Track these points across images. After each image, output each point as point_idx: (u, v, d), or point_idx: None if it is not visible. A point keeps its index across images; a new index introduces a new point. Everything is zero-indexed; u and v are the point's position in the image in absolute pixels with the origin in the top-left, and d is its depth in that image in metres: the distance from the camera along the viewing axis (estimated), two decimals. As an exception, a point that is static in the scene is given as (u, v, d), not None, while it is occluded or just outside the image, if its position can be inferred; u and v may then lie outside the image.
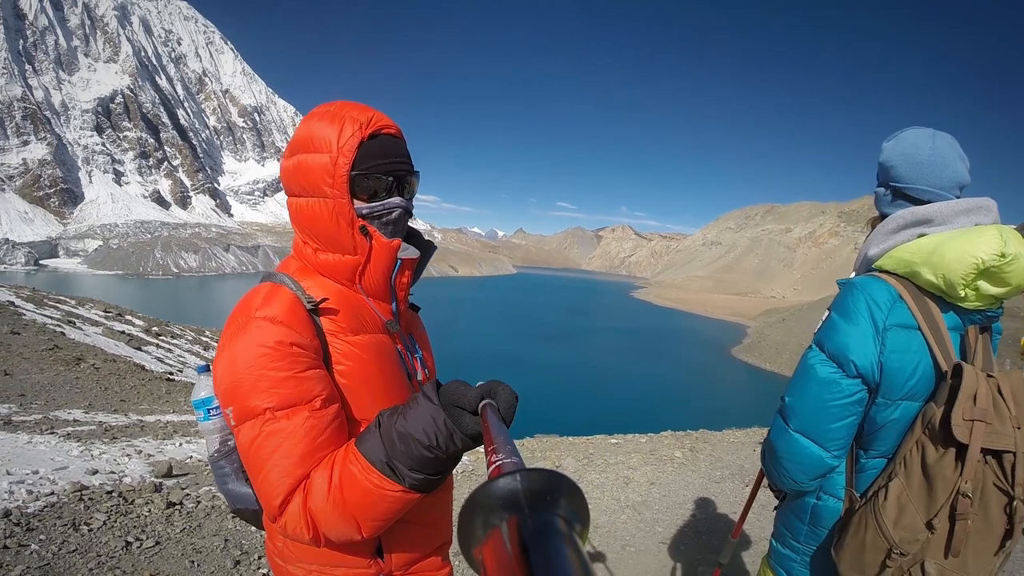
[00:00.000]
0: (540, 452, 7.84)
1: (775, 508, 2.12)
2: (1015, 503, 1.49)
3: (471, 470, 6.61)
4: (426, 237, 1.57)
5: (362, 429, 1.26)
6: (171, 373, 14.50)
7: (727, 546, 2.79)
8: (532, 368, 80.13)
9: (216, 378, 1.27)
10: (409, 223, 1.50)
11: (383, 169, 1.36)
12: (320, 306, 1.33)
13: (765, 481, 2.31)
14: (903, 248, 1.67)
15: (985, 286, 1.52)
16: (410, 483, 1.15)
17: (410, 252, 1.47)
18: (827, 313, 1.78)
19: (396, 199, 1.40)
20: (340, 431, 1.27)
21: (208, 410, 1.52)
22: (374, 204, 1.37)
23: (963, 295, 1.54)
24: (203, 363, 1.61)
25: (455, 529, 0.53)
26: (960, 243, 1.52)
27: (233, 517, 4.59)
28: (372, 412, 1.29)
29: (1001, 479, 1.49)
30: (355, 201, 1.35)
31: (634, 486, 6.25)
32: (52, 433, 6.69)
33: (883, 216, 1.82)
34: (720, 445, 7.94)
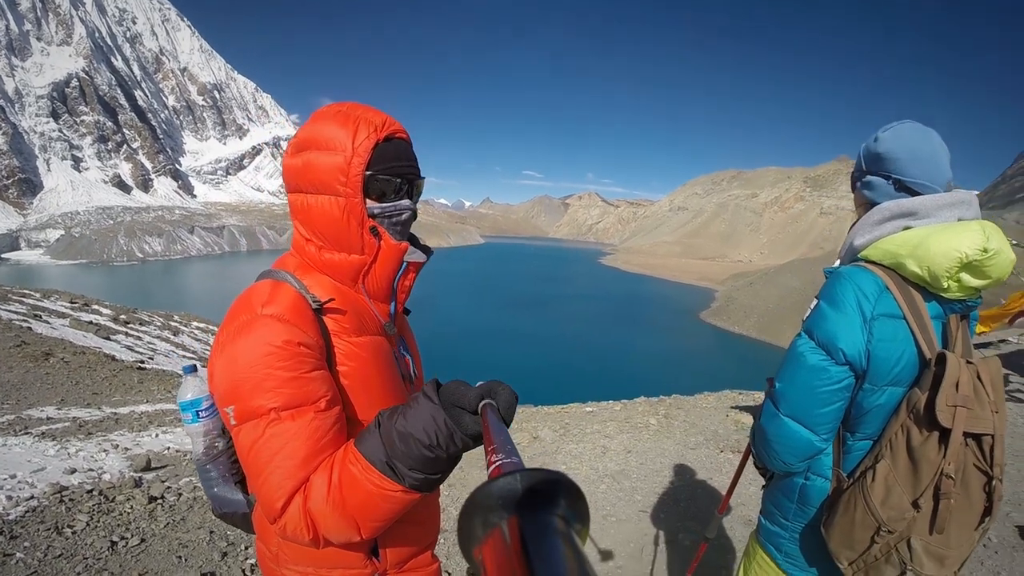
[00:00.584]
0: (516, 423, 7.90)
1: (763, 487, 2.19)
2: (993, 482, 1.59)
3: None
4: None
5: (361, 430, 1.26)
6: (142, 361, 14.33)
7: (713, 520, 2.87)
8: (503, 338, 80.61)
9: (215, 377, 1.25)
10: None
11: (395, 172, 1.38)
12: (324, 306, 1.33)
13: (750, 459, 2.40)
14: (889, 240, 1.73)
15: (967, 278, 1.60)
16: (410, 483, 1.15)
17: (417, 256, 1.50)
18: (815, 302, 1.83)
19: (406, 201, 1.43)
20: (341, 433, 1.28)
21: (197, 412, 1.49)
22: (385, 205, 1.39)
23: (946, 287, 1.61)
24: (189, 364, 1.60)
25: (456, 529, 0.53)
26: (945, 237, 1.59)
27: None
28: (371, 414, 1.29)
29: (981, 460, 1.58)
30: (367, 201, 1.37)
31: (611, 455, 6.36)
32: (27, 433, 6.61)
33: (872, 205, 1.85)
34: (694, 411, 8.07)
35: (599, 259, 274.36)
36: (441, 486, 1.57)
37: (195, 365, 1.56)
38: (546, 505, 0.51)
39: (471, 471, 5.88)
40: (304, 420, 1.20)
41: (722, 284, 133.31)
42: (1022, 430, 6.19)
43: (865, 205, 1.90)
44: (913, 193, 1.77)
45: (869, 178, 1.86)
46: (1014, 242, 6.41)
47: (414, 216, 1.47)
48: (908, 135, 1.78)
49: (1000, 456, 1.59)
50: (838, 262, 1.97)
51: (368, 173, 1.33)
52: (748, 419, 7.44)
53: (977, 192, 1.71)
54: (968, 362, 1.60)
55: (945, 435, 1.56)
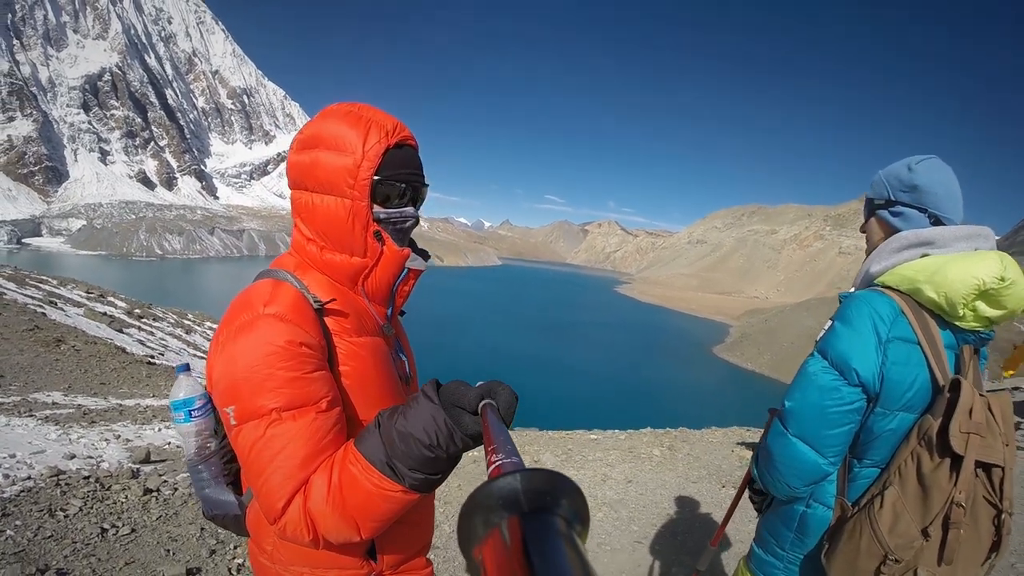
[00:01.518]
0: (519, 446, 7.68)
1: (759, 514, 2.15)
2: (1003, 516, 1.56)
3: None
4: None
5: (361, 430, 1.25)
6: (152, 356, 14.42)
7: (706, 553, 2.82)
8: (514, 360, 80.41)
9: (215, 376, 1.24)
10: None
11: (402, 178, 1.37)
12: (325, 306, 1.33)
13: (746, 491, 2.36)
14: (907, 266, 1.72)
15: (983, 307, 1.59)
16: (410, 483, 1.14)
17: (418, 264, 1.49)
18: (830, 323, 1.81)
19: (411, 208, 1.42)
20: (341, 433, 1.27)
21: (189, 411, 1.47)
22: (391, 210, 1.39)
23: (962, 314, 1.60)
24: (182, 363, 1.57)
25: (456, 529, 0.53)
26: (963, 264, 1.58)
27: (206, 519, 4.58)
28: (371, 414, 1.28)
29: (990, 492, 1.56)
30: (373, 205, 1.37)
31: (611, 483, 6.29)
32: (30, 416, 6.64)
33: (893, 232, 1.84)
34: (699, 444, 7.99)
35: (615, 288, 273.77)
36: (437, 506, 1.66)
37: (188, 364, 1.54)
38: (547, 505, 0.51)
39: (468, 484, 5.82)
40: (305, 421, 1.19)
41: (737, 319, 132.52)
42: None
43: (887, 234, 1.87)
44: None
45: (902, 208, 1.83)
46: None
47: (416, 224, 1.48)
48: (942, 170, 1.78)
49: (1010, 490, 1.57)
50: (853, 289, 1.94)
51: (376, 178, 1.33)
52: (751, 464, 7.35)
53: (999, 237, 1.77)
54: (980, 394, 1.58)
55: (957, 462, 1.53)
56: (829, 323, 1.82)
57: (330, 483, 1.16)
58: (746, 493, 2.37)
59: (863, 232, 2.00)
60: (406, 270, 1.47)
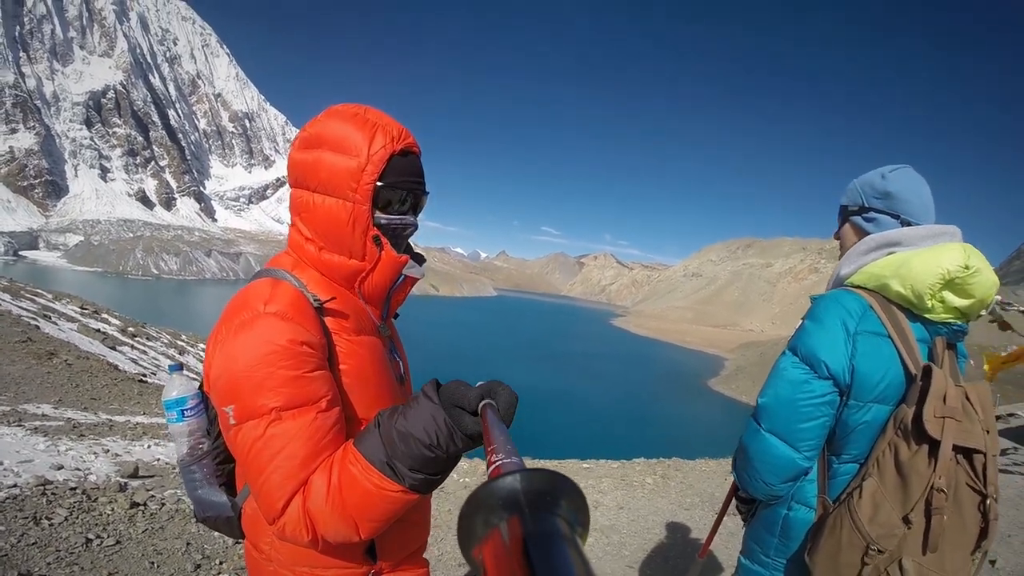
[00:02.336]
0: None
1: (743, 527, 2.13)
2: (988, 502, 1.55)
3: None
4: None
5: (360, 430, 1.25)
6: (144, 375, 14.34)
7: (694, 566, 2.80)
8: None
9: (213, 375, 1.22)
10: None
11: (405, 185, 1.37)
12: (324, 304, 1.32)
13: (733, 505, 2.34)
14: (874, 264, 1.76)
15: (950, 297, 1.62)
16: (410, 483, 1.14)
17: (416, 271, 1.50)
18: (801, 322, 1.84)
19: (411, 216, 1.43)
20: (341, 433, 1.26)
21: (182, 411, 1.46)
22: (392, 216, 1.38)
23: (930, 306, 1.62)
24: (175, 363, 1.57)
25: (455, 529, 0.53)
26: (927, 256, 1.63)
27: (198, 522, 4.54)
28: (370, 413, 1.29)
29: (973, 479, 1.55)
30: (374, 210, 1.36)
31: (603, 510, 6.24)
32: (19, 426, 6.59)
33: (866, 236, 1.87)
34: (692, 473, 7.94)
35: (610, 320, 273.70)
36: (439, 514, 1.65)
37: (181, 364, 1.53)
38: (547, 506, 0.51)
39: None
40: (305, 420, 1.18)
41: (732, 352, 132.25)
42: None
43: (860, 238, 1.91)
44: None
45: (875, 215, 1.87)
46: (1021, 309, 6.27)
47: (415, 230, 1.48)
48: (914, 179, 1.84)
49: (993, 476, 1.56)
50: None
51: (379, 183, 1.32)
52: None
53: (996, 267, 1.72)
54: (956, 384, 1.59)
55: (934, 447, 1.53)
56: (800, 322, 1.84)
57: (330, 483, 1.16)
58: (733, 504, 2.34)
59: (837, 238, 2.06)
60: (403, 276, 1.47)
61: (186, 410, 1.47)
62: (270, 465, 1.16)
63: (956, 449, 1.53)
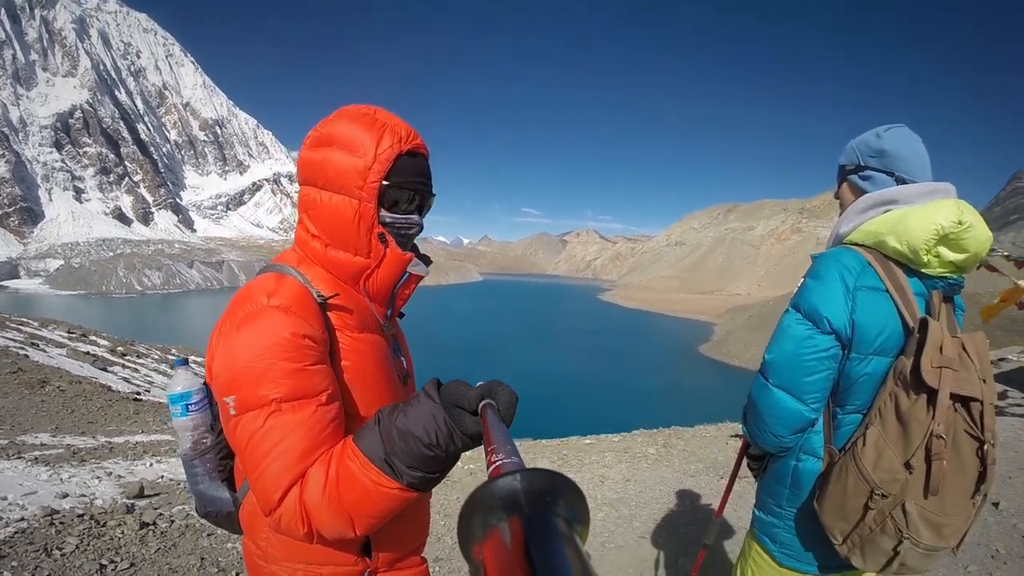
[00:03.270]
0: None
1: (756, 480, 2.20)
2: (986, 447, 1.60)
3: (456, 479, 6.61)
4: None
5: (360, 426, 1.26)
6: (138, 393, 14.25)
7: (711, 526, 2.84)
8: (503, 373, 79.86)
9: (216, 366, 1.24)
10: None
11: (411, 186, 1.39)
12: (328, 301, 1.34)
13: (744, 467, 2.43)
14: (871, 222, 1.82)
15: (945, 252, 1.67)
16: (408, 481, 1.14)
17: (420, 269, 1.50)
18: (802, 280, 1.90)
19: (416, 216, 1.44)
20: (340, 428, 1.26)
21: (186, 405, 1.47)
22: (397, 216, 1.40)
23: (926, 260, 1.68)
24: (180, 357, 1.57)
25: (455, 528, 0.53)
26: (922, 213, 1.68)
27: (209, 535, 4.55)
28: (370, 410, 1.30)
29: (971, 426, 1.61)
30: (380, 209, 1.38)
31: (610, 483, 6.30)
32: (19, 458, 6.55)
33: (863, 194, 1.93)
34: (693, 440, 8.02)
35: (598, 295, 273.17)
36: (437, 519, 1.65)
37: (186, 358, 1.54)
38: (546, 505, 0.51)
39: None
40: (305, 413, 1.19)
41: (721, 318, 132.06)
42: (1024, 450, 6.13)
43: (857, 196, 1.96)
44: None
45: (871, 172, 1.94)
46: (1006, 254, 6.42)
47: (420, 230, 1.49)
48: (909, 137, 1.90)
49: (991, 423, 1.61)
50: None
51: (386, 183, 1.34)
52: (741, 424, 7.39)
53: (981, 210, 1.81)
54: (953, 336, 1.64)
55: (933, 396, 1.58)
56: (802, 280, 1.90)
57: (327, 477, 1.16)
58: (745, 461, 2.43)
59: (837, 198, 2.11)
60: (407, 274, 1.48)
61: (190, 405, 1.47)
62: (268, 456, 1.17)
63: (954, 397, 1.59)
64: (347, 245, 1.39)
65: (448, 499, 5.86)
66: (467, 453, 7.38)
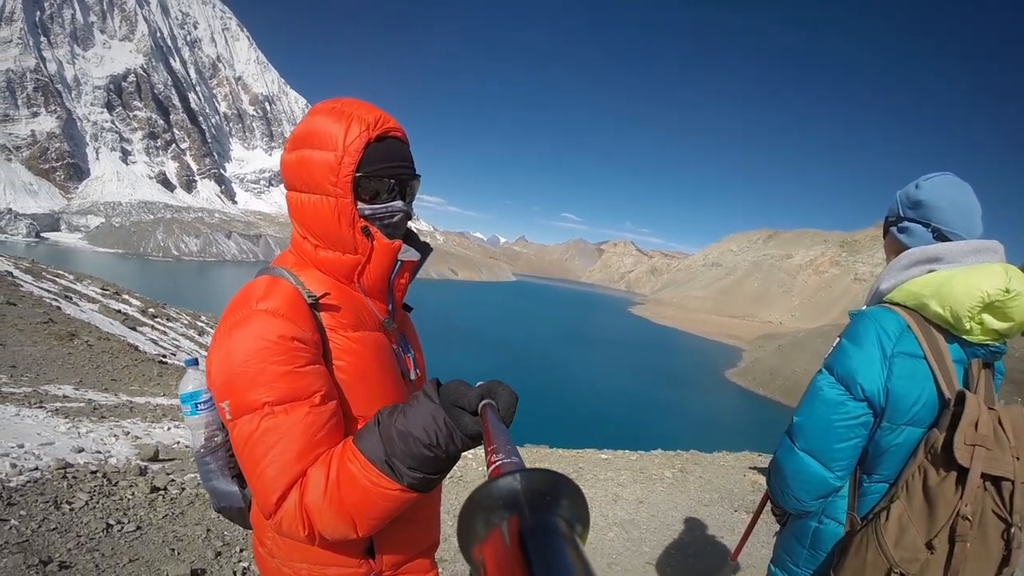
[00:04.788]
0: (528, 463, 7.63)
1: (775, 534, 2.13)
2: (1012, 530, 1.54)
3: (459, 476, 6.55)
4: (427, 239, 1.58)
5: (359, 426, 1.25)
6: (164, 356, 14.44)
7: (726, 568, 2.76)
8: (525, 377, 79.91)
9: (212, 371, 1.25)
10: (411, 224, 1.52)
11: (387, 172, 1.35)
12: (320, 301, 1.32)
13: (767, 508, 2.33)
14: (913, 282, 1.74)
15: (989, 320, 1.59)
16: (408, 482, 1.14)
17: (411, 254, 1.48)
18: (838, 340, 1.83)
19: (398, 203, 1.41)
20: (337, 428, 1.26)
21: (196, 404, 1.48)
22: (376, 206, 1.37)
23: (968, 328, 1.60)
24: (191, 356, 1.59)
25: (455, 528, 0.53)
26: (967, 278, 1.59)
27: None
28: (369, 409, 1.29)
29: (999, 506, 1.55)
30: (358, 202, 1.35)
31: (623, 504, 6.20)
32: (40, 407, 6.63)
33: (904, 249, 1.85)
34: (710, 468, 7.88)
35: (629, 308, 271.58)
36: (445, 519, 1.64)
37: (196, 358, 1.56)
38: (547, 505, 0.51)
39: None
40: (299, 415, 1.19)
41: (750, 344, 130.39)
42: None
43: (897, 251, 1.90)
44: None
45: (907, 224, 1.87)
46: None
47: (408, 217, 1.46)
48: (949, 185, 1.82)
49: (1021, 503, 1.55)
50: (864, 307, 1.95)
51: (359, 175, 1.31)
52: (765, 480, 7.25)
53: (1021, 265, 1.71)
54: (990, 408, 1.57)
55: (963, 475, 1.52)
56: (837, 340, 1.83)
57: (328, 479, 1.17)
58: (768, 506, 2.33)
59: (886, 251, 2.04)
60: (399, 262, 1.45)
61: (200, 404, 1.49)
62: (264, 460, 1.18)
63: (985, 477, 1.53)
64: (335, 244, 1.38)
65: (459, 499, 5.80)
66: (482, 456, 7.32)
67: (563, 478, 0.53)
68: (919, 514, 1.60)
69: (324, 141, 1.31)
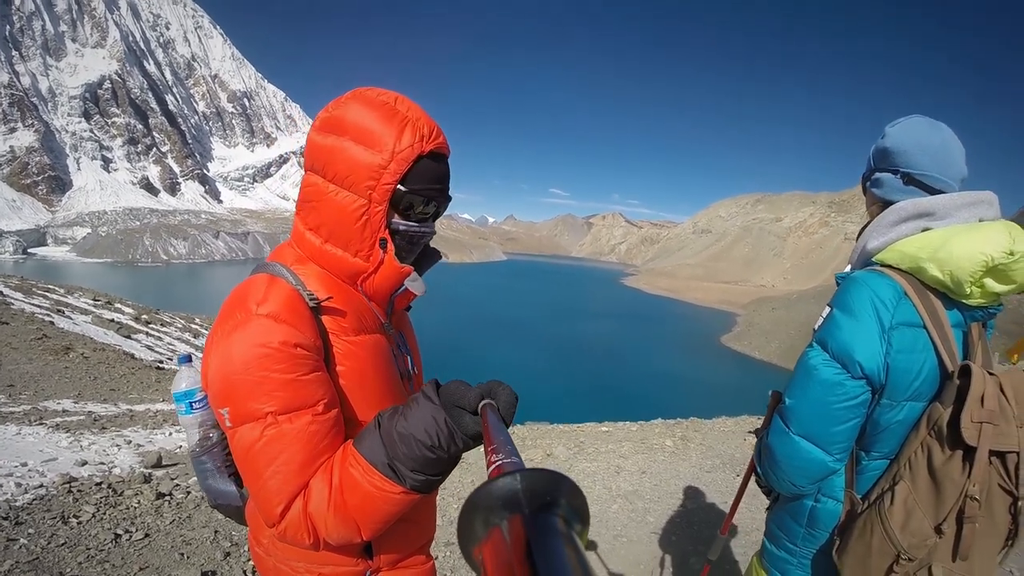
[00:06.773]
0: (531, 440, 7.82)
1: (767, 509, 2.08)
2: (1019, 503, 1.47)
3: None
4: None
5: (359, 430, 1.23)
6: (160, 361, 14.45)
7: (716, 542, 2.76)
8: (521, 354, 79.91)
9: (209, 376, 1.20)
10: None
11: (429, 193, 1.31)
12: (322, 304, 1.27)
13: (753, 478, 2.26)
14: (907, 242, 1.61)
15: (991, 283, 1.50)
16: (411, 484, 1.13)
17: (416, 287, 1.45)
18: (828, 309, 1.71)
19: (431, 227, 1.38)
20: (339, 435, 1.24)
21: (190, 403, 1.46)
22: (411, 224, 1.33)
23: (969, 292, 1.50)
24: (184, 354, 1.56)
25: (455, 528, 0.53)
26: (968, 239, 1.48)
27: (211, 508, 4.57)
28: (369, 414, 1.27)
29: (1005, 480, 1.46)
30: (394, 214, 1.32)
31: (625, 475, 6.26)
32: (41, 424, 6.65)
33: (885, 203, 1.75)
34: (711, 434, 7.95)
35: (621, 279, 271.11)
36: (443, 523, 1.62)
37: (190, 355, 1.53)
38: (546, 505, 0.51)
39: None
40: (302, 424, 1.16)
41: (744, 308, 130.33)
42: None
43: (877, 205, 1.79)
44: (923, 187, 1.67)
45: (877, 175, 1.77)
46: None
47: (431, 237, 1.44)
48: (914, 127, 1.70)
49: None
50: (849, 267, 1.86)
51: (402, 188, 1.26)
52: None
53: (1010, 216, 1.58)
54: (990, 373, 1.48)
55: (970, 454, 1.44)
56: (827, 309, 1.71)
57: (331, 485, 1.15)
58: (753, 479, 2.28)
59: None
60: (404, 287, 1.43)
61: (195, 402, 1.46)
62: (268, 470, 1.16)
63: (991, 453, 1.45)
64: (346, 244, 1.31)
65: (463, 481, 5.84)
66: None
67: (563, 478, 0.53)
68: (925, 496, 1.51)
69: (370, 138, 1.23)
